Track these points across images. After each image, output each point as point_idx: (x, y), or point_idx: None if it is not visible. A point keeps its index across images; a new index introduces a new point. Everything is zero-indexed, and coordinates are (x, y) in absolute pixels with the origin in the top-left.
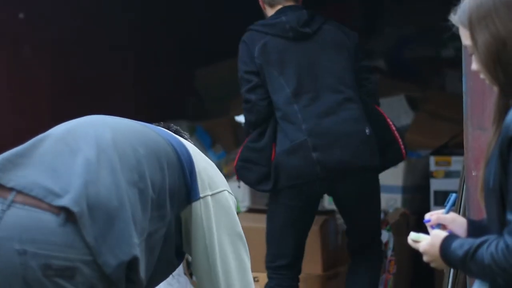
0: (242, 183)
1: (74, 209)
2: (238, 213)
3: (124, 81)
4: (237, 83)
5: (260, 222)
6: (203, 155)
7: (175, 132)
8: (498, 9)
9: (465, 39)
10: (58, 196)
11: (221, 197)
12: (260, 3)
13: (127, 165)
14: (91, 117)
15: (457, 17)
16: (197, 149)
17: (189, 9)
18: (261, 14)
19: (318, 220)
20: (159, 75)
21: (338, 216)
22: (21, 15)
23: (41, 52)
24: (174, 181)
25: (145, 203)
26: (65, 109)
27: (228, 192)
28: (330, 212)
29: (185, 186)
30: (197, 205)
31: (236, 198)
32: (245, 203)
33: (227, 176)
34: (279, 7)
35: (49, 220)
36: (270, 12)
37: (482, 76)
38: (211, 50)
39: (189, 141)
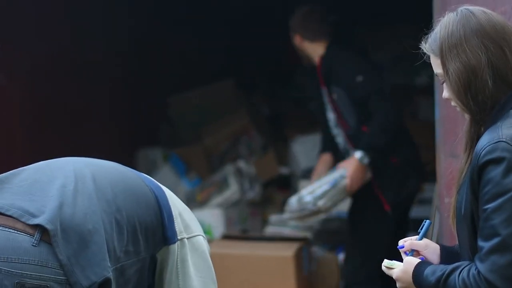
0: (215, 211)
1: (48, 227)
2: (212, 240)
3: (98, 108)
4: (210, 110)
5: (235, 249)
6: (179, 200)
7: None
8: (469, 38)
9: (436, 67)
10: (33, 216)
11: (196, 240)
12: None
13: (104, 197)
14: (69, 158)
15: (428, 46)
16: (174, 194)
17: (162, 36)
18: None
19: (292, 247)
20: (133, 103)
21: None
22: None
23: (15, 81)
24: (151, 221)
25: (121, 234)
26: (39, 137)
27: (203, 237)
28: (304, 239)
29: (161, 227)
30: (174, 247)
31: (210, 224)
32: (219, 230)
33: (201, 203)
34: None
35: (23, 240)
36: None
37: (453, 103)
38: (184, 77)
39: None
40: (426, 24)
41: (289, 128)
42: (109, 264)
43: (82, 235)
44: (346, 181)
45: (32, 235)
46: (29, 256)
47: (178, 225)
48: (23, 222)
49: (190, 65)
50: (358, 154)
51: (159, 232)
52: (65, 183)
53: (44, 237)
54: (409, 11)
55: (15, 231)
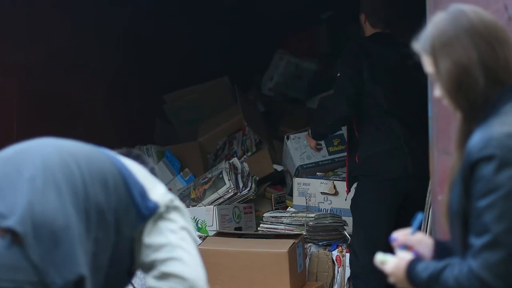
0: (210, 208)
1: (19, 229)
2: (206, 236)
3: (93, 105)
4: (205, 107)
5: (229, 245)
6: (148, 175)
7: (136, 157)
8: (460, 36)
9: (428, 66)
10: (3, 217)
11: (175, 207)
12: None
13: (72, 187)
14: (41, 140)
15: (419, 45)
16: (143, 170)
17: (158, 34)
18: (227, 43)
19: (286, 243)
20: (128, 100)
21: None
22: None
23: (10, 76)
24: (121, 202)
25: (89, 224)
26: (35, 133)
27: (180, 204)
28: (298, 236)
29: (134, 206)
30: (151, 223)
31: (204, 222)
32: (213, 227)
33: (196, 200)
34: None
35: None
36: None
37: (445, 102)
38: (179, 75)
39: (149, 165)
40: (420, 21)
41: (284, 125)
42: (83, 260)
43: (54, 232)
44: None
45: (2, 238)
46: (2, 259)
47: (158, 195)
48: None
49: (186, 63)
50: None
51: (132, 212)
52: (34, 175)
53: (15, 239)
54: (403, 8)
55: None
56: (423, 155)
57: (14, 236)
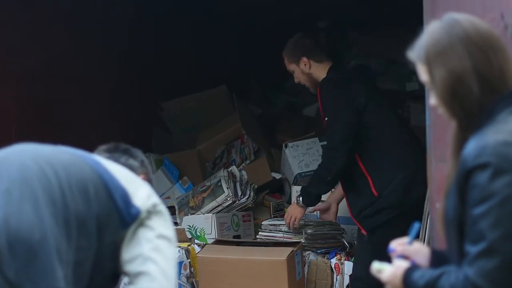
0: (208, 216)
1: None
2: (205, 244)
3: (91, 113)
4: (203, 115)
5: (228, 253)
6: (135, 178)
7: (124, 151)
8: (454, 45)
9: (423, 75)
10: None
11: (159, 208)
12: None
13: (51, 197)
14: (19, 147)
15: (414, 53)
16: (129, 173)
17: (158, 43)
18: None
19: (285, 251)
20: (127, 107)
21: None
22: None
23: (9, 85)
24: (102, 209)
25: (69, 232)
26: (32, 141)
27: (163, 204)
28: (296, 244)
29: (116, 212)
30: (134, 226)
31: (203, 230)
32: (212, 235)
33: (195, 208)
34: None
35: None
36: None
37: (440, 110)
38: (178, 83)
39: (138, 158)
40: (417, 29)
41: (282, 133)
42: (60, 273)
43: (30, 247)
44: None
45: None
46: None
47: (141, 200)
48: None
49: (184, 71)
50: (298, 196)
51: (115, 218)
52: (10, 188)
53: None
54: (401, 16)
55: None
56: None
57: None
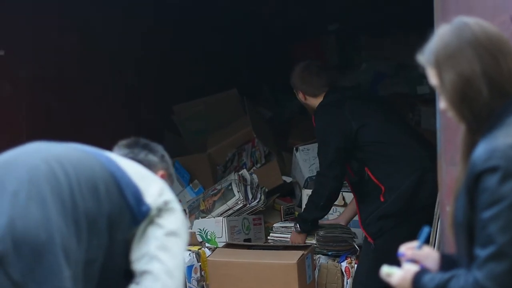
0: (219, 220)
1: None
2: (215, 248)
3: (102, 117)
4: (214, 118)
5: (238, 257)
6: (150, 174)
7: (144, 146)
8: (463, 49)
9: (433, 78)
10: None
11: (171, 206)
12: None
13: (59, 196)
14: (29, 147)
15: (424, 57)
16: (144, 170)
17: (165, 45)
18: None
19: (295, 254)
20: (137, 111)
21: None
22: (1, 52)
23: (19, 89)
24: (114, 207)
25: (79, 233)
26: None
27: (176, 201)
28: (307, 247)
29: (128, 210)
30: (145, 223)
31: (213, 233)
32: (223, 239)
33: (205, 212)
34: None
35: None
36: None
37: (450, 114)
38: (189, 86)
39: (158, 153)
40: (428, 33)
41: (293, 137)
42: (67, 274)
43: (37, 248)
44: None
45: None
46: None
47: (152, 197)
48: None
49: (195, 75)
50: (295, 223)
51: (126, 215)
52: (17, 190)
53: None
54: (411, 20)
55: None
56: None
57: None
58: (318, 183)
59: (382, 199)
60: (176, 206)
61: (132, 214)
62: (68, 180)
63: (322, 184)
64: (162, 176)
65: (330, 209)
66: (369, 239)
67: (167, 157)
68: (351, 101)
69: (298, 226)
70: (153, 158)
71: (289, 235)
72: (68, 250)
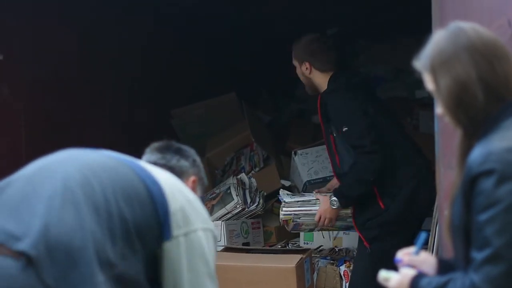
0: (218, 223)
1: (32, 252)
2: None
3: (101, 120)
4: (212, 122)
5: (237, 260)
6: (184, 190)
7: (177, 151)
8: (459, 54)
9: (429, 84)
10: (18, 239)
11: (194, 237)
12: None
13: (93, 204)
14: (63, 154)
15: (420, 63)
16: (178, 184)
17: (164, 49)
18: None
19: (294, 258)
20: (136, 114)
21: (314, 255)
22: (0, 56)
23: (18, 92)
24: (146, 219)
25: (113, 240)
26: (42, 147)
27: (204, 229)
28: (306, 251)
29: (157, 224)
30: (169, 245)
31: None
32: (221, 243)
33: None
34: None
35: (10, 266)
36: None
37: (446, 119)
38: (187, 90)
39: (190, 158)
40: (426, 37)
41: (292, 140)
42: (101, 279)
43: (70, 254)
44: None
45: (17, 259)
46: (16, 283)
47: (176, 221)
48: (9, 248)
49: (194, 79)
50: (332, 198)
51: (154, 229)
52: (53, 195)
53: (31, 261)
54: (409, 24)
55: (1, 256)
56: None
57: (29, 258)
58: (367, 160)
59: (382, 206)
60: (197, 239)
61: (161, 231)
62: (102, 188)
63: (372, 160)
64: (193, 182)
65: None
66: (365, 243)
67: (198, 161)
68: (361, 87)
69: (337, 202)
70: (185, 163)
71: (305, 208)
72: (101, 257)
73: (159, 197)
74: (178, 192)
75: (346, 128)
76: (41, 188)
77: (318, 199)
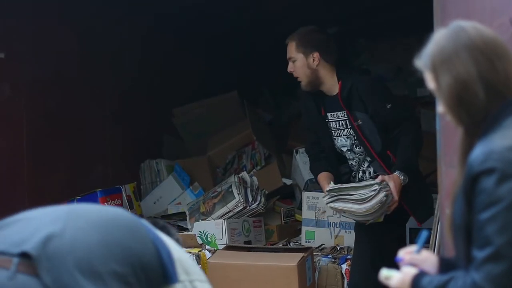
0: (219, 222)
1: (33, 252)
2: (215, 250)
3: (102, 120)
4: (214, 121)
5: (238, 259)
6: (178, 248)
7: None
8: (459, 52)
9: (430, 82)
10: (18, 245)
11: (198, 285)
12: None
13: (97, 228)
14: (62, 209)
15: (421, 62)
16: (172, 242)
17: (165, 48)
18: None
19: (295, 257)
20: (137, 114)
21: (315, 253)
22: (1, 55)
23: (19, 92)
24: (149, 257)
25: (116, 263)
26: (43, 147)
27: (202, 281)
28: (307, 249)
29: (161, 266)
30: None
31: (213, 235)
32: (223, 241)
33: (205, 214)
34: None
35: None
36: None
37: (447, 118)
38: (189, 90)
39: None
40: (427, 36)
41: (293, 139)
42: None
43: (67, 261)
44: (391, 197)
45: (7, 268)
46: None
47: (178, 268)
48: (3, 258)
49: (195, 77)
50: (399, 174)
51: (158, 271)
52: (56, 218)
53: (21, 268)
54: (411, 23)
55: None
56: None
57: (19, 267)
58: (417, 127)
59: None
60: (200, 286)
61: (165, 272)
62: (103, 221)
63: (420, 127)
64: None
65: None
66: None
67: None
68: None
69: (406, 177)
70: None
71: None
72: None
73: (160, 243)
74: (174, 246)
75: (391, 105)
76: (45, 217)
77: (376, 185)
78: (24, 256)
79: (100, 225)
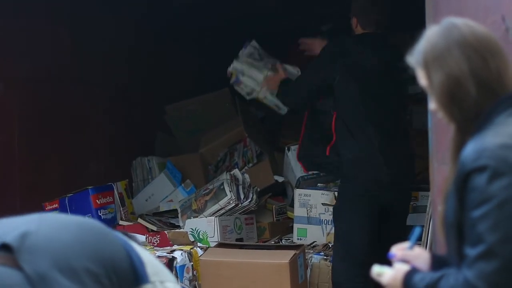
0: (211, 219)
1: (13, 244)
2: (207, 247)
3: (95, 117)
4: (206, 118)
5: (230, 256)
6: (147, 252)
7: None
8: (451, 49)
9: (422, 79)
10: None
11: (169, 285)
12: None
13: (71, 233)
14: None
15: (413, 58)
16: (141, 247)
17: (161, 47)
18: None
19: (287, 254)
20: (130, 110)
21: (307, 250)
22: None
23: (11, 89)
24: (120, 258)
25: (91, 261)
26: (37, 144)
27: (174, 282)
28: (299, 247)
29: (132, 270)
30: None
31: (205, 233)
32: (215, 238)
33: (197, 211)
34: None
35: None
36: None
37: (439, 115)
38: (181, 86)
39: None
40: (419, 33)
41: (285, 136)
42: (67, 284)
43: (48, 253)
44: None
45: None
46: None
47: (148, 269)
48: None
49: (188, 75)
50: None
51: (129, 273)
52: (31, 219)
53: (1, 261)
54: (403, 21)
55: None
56: (403, 164)
57: (1, 258)
58: (291, 88)
59: (327, 153)
60: (173, 286)
61: (135, 273)
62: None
63: (289, 94)
64: None
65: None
66: None
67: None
68: None
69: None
70: None
71: (252, 71)
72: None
73: (130, 246)
74: (143, 250)
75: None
76: (18, 220)
77: (269, 71)
78: (4, 249)
79: (72, 227)
